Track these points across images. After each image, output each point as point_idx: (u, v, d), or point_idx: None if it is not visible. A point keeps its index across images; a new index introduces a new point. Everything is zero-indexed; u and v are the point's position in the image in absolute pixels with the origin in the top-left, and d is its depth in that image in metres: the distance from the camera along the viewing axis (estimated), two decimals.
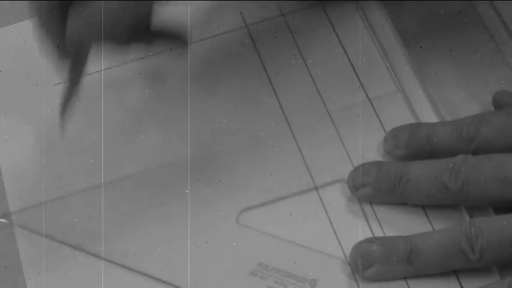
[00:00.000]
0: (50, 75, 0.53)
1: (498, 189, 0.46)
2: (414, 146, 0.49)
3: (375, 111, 0.51)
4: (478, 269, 0.45)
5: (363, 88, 0.52)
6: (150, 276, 0.46)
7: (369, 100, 0.52)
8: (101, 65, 0.53)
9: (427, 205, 0.47)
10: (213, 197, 0.49)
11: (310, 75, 0.53)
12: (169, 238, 0.47)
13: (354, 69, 0.53)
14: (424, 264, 0.45)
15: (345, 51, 0.53)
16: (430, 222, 0.47)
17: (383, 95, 0.52)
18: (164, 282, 0.46)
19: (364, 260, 0.45)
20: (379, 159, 0.49)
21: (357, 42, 0.53)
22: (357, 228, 0.47)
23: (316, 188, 0.49)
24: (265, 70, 0.53)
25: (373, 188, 0.48)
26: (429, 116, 0.51)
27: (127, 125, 0.52)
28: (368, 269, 0.45)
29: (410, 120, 0.50)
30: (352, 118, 0.51)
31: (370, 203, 0.48)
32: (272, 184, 0.49)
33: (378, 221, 0.47)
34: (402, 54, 0.53)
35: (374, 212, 0.48)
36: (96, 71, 0.53)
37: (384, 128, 0.50)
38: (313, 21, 0.54)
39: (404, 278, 0.45)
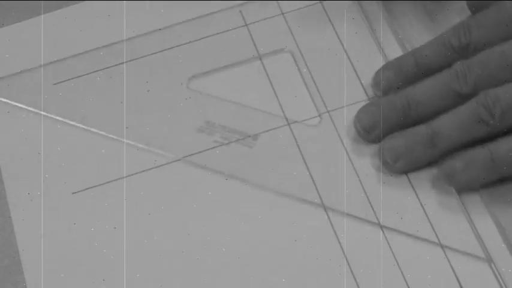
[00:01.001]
0: (50, 75, 0.53)
1: (510, 76, 0.46)
2: (405, 77, 0.49)
3: None
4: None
5: (363, 87, 0.52)
6: None
7: (369, 99, 0.52)
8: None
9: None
10: (164, 64, 0.53)
11: (310, 74, 0.53)
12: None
13: (354, 69, 0.53)
14: (447, 143, 0.46)
15: (345, 50, 0.53)
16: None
17: None
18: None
19: (392, 154, 0.47)
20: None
21: (357, 42, 0.53)
22: (296, 91, 0.52)
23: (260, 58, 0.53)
24: (265, 69, 0.53)
25: (384, 125, 0.48)
26: None
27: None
28: (396, 163, 0.47)
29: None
30: (352, 117, 0.51)
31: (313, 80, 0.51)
32: (218, 52, 0.53)
33: (318, 90, 0.51)
34: (402, 53, 0.53)
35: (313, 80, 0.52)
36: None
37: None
38: (313, 21, 0.54)
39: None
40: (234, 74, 0.53)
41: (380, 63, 0.52)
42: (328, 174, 0.49)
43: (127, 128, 0.51)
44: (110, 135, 0.51)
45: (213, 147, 0.50)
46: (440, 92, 0.47)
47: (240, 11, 0.55)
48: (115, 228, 0.48)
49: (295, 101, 0.51)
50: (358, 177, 0.49)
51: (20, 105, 0.53)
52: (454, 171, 0.46)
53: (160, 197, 0.49)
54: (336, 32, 0.54)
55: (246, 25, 0.54)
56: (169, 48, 0.54)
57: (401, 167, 0.48)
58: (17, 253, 0.48)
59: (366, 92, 0.52)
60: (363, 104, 0.51)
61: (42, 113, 0.52)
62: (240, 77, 0.52)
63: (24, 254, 0.48)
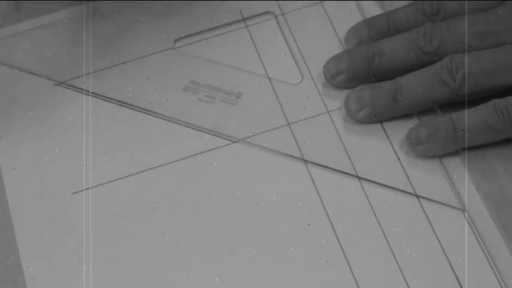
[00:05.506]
0: (50, 77, 0.53)
1: (474, 44, 0.48)
2: (376, 33, 0.52)
3: None
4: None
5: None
6: None
7: None
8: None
9: (405, 73, 0.50)
10: (152, 26, 0.55)
11: (310, 74, 0.53)
12: None
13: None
14: (409, 99, 0.49)
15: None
16: None
17: None
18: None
19: (356, 104, 0.50)
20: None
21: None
22: (279, 50, 0.54)
23: (244, 20, 0.55)
24: (265, 68, 0.53)
25: (348, 73, 0.51)
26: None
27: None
28: (360, 112, 0.50)
29: (412, 119, 0.51)
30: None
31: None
32: (203, 15, 0.55)
33: (303, 56, 0.53)
34: None
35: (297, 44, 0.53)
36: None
37: (383, 127, 0.50)
38: (313, 21, 0.54)
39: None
40: (219, 36, 0.54)
41: None
42: (308, 129, 0.51)
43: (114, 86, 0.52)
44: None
45: (198, 105, 0.51)
46: (405, 46, 0.50)
47: (240, 11, 0.55)
48: (114, 228, 0.48)
49: (278, 62, 0.53)
50: (337, 131, 0.50)
51: (20, 106, 0.53)
52: (418, 139, 0.49)
53: (160, 196, 0.49)
54: (336, 33, 0.54)
55: (246, 25, 0.55)
56: (157, 11, 0.55)
57: (363, 116, 0.50)
58: (17, 253, 0.48)
59: None
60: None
61: (41, 113, 0.52)
62: (225, 39, 0.54)
63: (24, 254, 0.48)
